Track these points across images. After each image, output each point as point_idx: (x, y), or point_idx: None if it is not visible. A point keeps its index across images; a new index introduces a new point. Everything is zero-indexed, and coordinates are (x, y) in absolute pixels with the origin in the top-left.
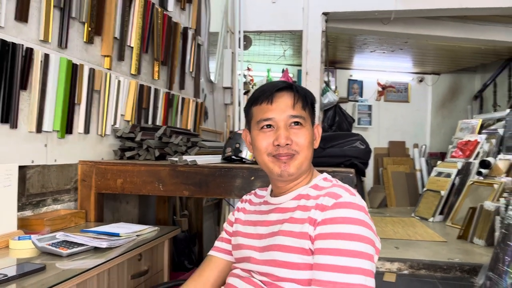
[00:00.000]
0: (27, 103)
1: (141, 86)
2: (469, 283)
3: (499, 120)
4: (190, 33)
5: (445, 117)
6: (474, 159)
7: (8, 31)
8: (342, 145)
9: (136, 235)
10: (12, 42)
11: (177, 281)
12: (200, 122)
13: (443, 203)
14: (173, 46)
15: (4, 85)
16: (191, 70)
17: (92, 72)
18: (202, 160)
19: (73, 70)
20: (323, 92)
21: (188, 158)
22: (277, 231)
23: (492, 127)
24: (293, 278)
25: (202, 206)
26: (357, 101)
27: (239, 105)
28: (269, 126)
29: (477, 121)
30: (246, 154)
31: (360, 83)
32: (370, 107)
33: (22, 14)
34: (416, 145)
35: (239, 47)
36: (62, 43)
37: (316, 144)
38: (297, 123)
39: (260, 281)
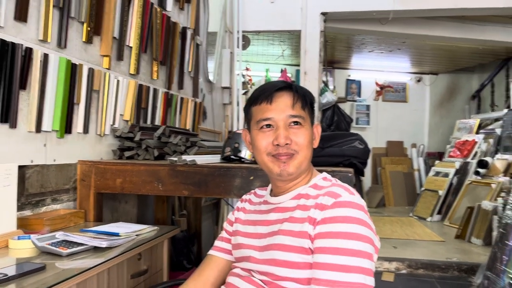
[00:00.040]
0: (26, 103)
1: (140, 86)
2: (467, 283)
3: (496, 120)
4: (189, 33)
5: (443, 117)
6: (472, 158)
7: (8, 31)
8: (341, 144)
9: (136, 235)
10: (12, 42)
11: (176, 280)
12: (198, 122)
13: (441, 203)
14: (172, 46)
15: (4, 85)
16: (189, 70)
17: (91, 72)
18: (201, 160)
19: (72, 70)
20: (322, 92)
21: (187, 158)
22: (277, 230)
23: (490, 127)
24: (293, 277)
25: (201, 206)
26: (355, 101)
27: (238, 105)
28: (268, 126)
29: (474, 121)
30: (245, 153)
31: (358, 83)
32: (368, 107)
33: (21, 14)
34: (414, 145)
35: (238, 47)
36: (62, 43)
37: (316, 144)
38: (296, 122)
39: (260, 280)
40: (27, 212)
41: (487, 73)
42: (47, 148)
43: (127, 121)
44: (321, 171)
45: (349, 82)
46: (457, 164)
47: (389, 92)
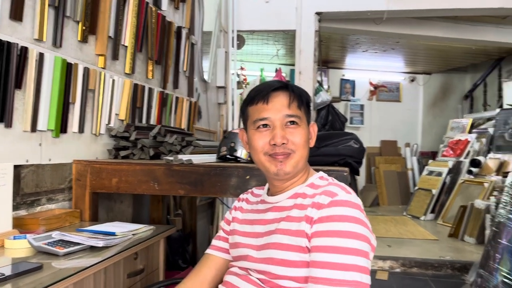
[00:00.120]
0: (21, 102)
1: (135, 85)
2: (460, 281)
3: (489, 119)
4: (184, 32)
5: (436, 117)
6: (465, 158)
7: (3, 30)
8: (337, 144)
9: (132, 234)
10: (7, 41)
11: (173, 279)
12: (193, 121)
13: (435, 202)
14: (167, 45)
15: None
16: (184, 69)
17: (86, 71)
18: (198, 159)
19: (68, 69)
20: (316, 92)
21: (183, 157)
22: (274, 229)
23: (482, 127)
24: (290, 275)
25: (196, 206)
26: (349, 100)
27: (233, 104)
28: (265, 125)
29: (467, 121)
30: (241, 153)
31: (352, 83)
32: (362, 106)
33: (16, 13)
34: (407, 144)
35: (233, 46)
36: (57, 42)
37: (312, 143)
38: (293, 122)
39: (258, 279)
40: (22, 212)
41: (480, 73)
42: (43, 148)
43: (122, 120)
44: (317, 171)
45: (343, 81)
46: (450, 163)
47: (383, 91)
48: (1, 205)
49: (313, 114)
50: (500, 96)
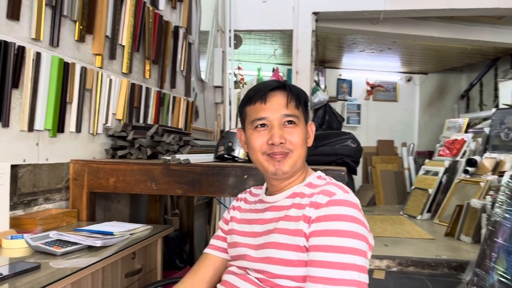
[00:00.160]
0: (18, 101)
1: (133, 85)
2: (456, 280)
3: (485, 119)
4: (181, 31)
5: (432, 116)
6: (461, 157)
7: (0, 29)
8: (334, 143)
9: (130, 234)
10: (4, 41)
11: (171, 279)
12: (191, 121)
13: (431, 201)
14: (164, 44)
15: None
16: (182, 69)
17: (83, 70)
18: (195, 158)
19: (65, 69)
20: (313, 91)
21: (181, 156)
22: (272, 229)
23: (478, 126)
24: (288, 275)
25: (193, 205)
26: (346, 100)
27: (230, 104)
28: (263, 125)
29: (463, 120)
30: (238, 152)
31: (349, 83)
32: (359, 106)
33: (13, 12)
34: (404, 144)
35: (230, 46)
36: (54, 42)
37: (310, 142)
38: (290, 122)
39: (256, 278)
40: (19, 212)
41: (476, 73)
42: (40, 147)
43: (119, 120)
44: (315, 170)
45: (340, 81)
46: (447, 163)
47: (380, 91)
48: None
49: (310, 113)
50: (496, 96)
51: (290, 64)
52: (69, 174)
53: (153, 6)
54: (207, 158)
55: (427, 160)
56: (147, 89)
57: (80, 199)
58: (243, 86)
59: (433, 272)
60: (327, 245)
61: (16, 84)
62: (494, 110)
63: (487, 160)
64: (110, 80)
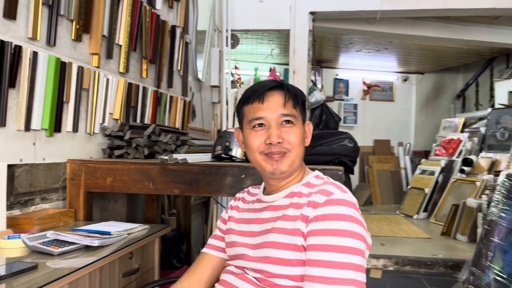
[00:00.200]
0: (15, 101)
1: (130, 85)
2: (452, 279)
3: (481, 118)
4: (178, 31)
5: (429, 116)
6: (457, 157)
7: None
8: (331, 143)
9: (127, 234)
10: (1, 40)
11: (169, 279)
12: (188, 121)
13: (427, 201)
14: (161, 44)
15: None
16: (179, 68)
17: (80, 70)
18: (192, 158)
19: (62, 68)
20: (310, 91)
21: (178, 156)
22: (270, 228)
23: (474, 126)
24: (286, 274)
25: (190, 205)
26: (343, 100)
27: (227, 103)
28: (261, 125)
29: (459, 120)
30: (236, 152)
31: (346, 82)
32: (355, 106)
33: (10, 11)
34: (400, 144)
35: (227, 45)
36: (51, 41)
37: (308, 142)
38: (288, 121)
39: (254, 277)
40: (16, 212)
41: (472, 73)
42: (36, 147)
43: (116, 119)
44: (312, 169)
45: (337, 81)
46: (443, 163)
47: (376, 91)
48: None
49: (307, 113)
50: (492, 96)
51: (287, 64)
52: (66, 174)
53: (150, 5)
54: (205, 157)
55: (423, 160)
56: (144, 89)
57: (77, 199)
58: (240, 85)
59: (430, 271)
60: (325, 245)
61: (12, 83)
62: (490, 110)
63: (483, 159)
64: (107, 80)
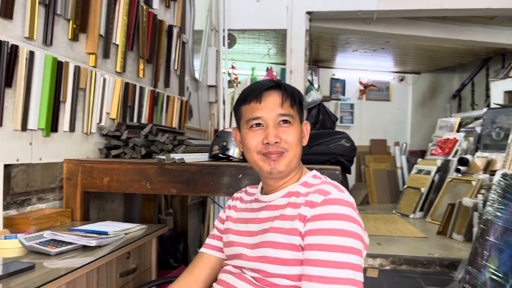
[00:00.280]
0: (12, 101)
1: (126, 84)
2: (448, 278)
3: (476, 118)
4: (175, 31)
5: (425, 116)
6: (453, 156)
7: None
8: (328, 143)
9: (124, 234)
10: None
11: (166, 278)
12: (185, 120)
13: (423, 200)
14: (158, 44)
15: None
16: (176, 68)
17: (77, 69)
18: (190, 158)
19: (58, 68)
20: (307, 91)
21: (175, 156)
22: (268, 228)
23: (470, 125)
24: (284, 273)
25: (187, 205)
26: (339, 99)
27: (224, 103)
28: (258, 124)
29: (455, 120)
30: (233, 152)
31: (343, 82)
32: (352, 105)
33: (7, 11)
34: (397, 143)
35: (224, 45)
36: (47, 40)
37: (305, 142)
38: (285, 121)
39: (252, 277)
40: (12, 212)
41: (468, 73)
42: (33, 147)
43: (113, 119)
44: (310, 169)
45: (334, 81)
46: (439, 162)
47: (373, 91)
48: None
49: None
50: (487, 96)
51: (284, 64)
52: (62, 174)
53: (147, 5)
54: (202, 157)
55: (419, 159)
56: (141, 88)
57: (74, 199)
58: (237, 85)
59: (426, 270)
60: (323, 244)
61: (9, 83)
62: (485, 109)
63: (479, 159)
64: (104, 79)
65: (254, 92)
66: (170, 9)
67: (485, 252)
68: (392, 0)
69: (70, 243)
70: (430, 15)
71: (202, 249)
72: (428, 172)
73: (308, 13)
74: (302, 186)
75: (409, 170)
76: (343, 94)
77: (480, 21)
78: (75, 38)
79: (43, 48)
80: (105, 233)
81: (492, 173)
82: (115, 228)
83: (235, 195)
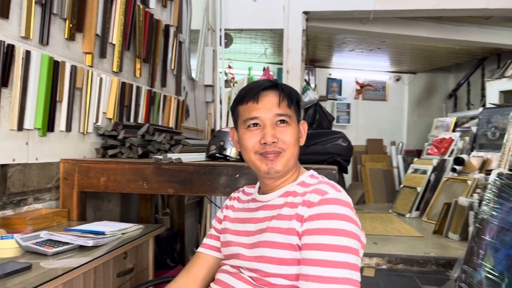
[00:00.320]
0: (8, 100)
1: (123, 84)
2: (444, 277)
3: (472, 118)
4: (172, 30)
5: (421, 115)
6: (449, 156)
7: None
8: (325, 142)
9: (121, 233)
10: None
11: (163, 278)
12: (181, 120)
13: (419, 199)
14: (155, 43)
15: None
16: (172, 67)
17: (74, 69)
18: (187, 158)
19: (55, 67)
20: (304, 91)
21: (172, 156)
22: (265, 227)
23: (466, 125)
24: (282, 273)
25: (184, 204)
26: (336, 99)
27: (220, 103)
28: (255, 124)
29: (451, 119)
30: (230, 151)
31: (339, 82)
32: (348, 105)
33: (3, 10)
34: (393, 143)
35: (220, 45)
36: (44, 40)
37: (302, 141)
38: (283, 121)
39: (249, 277)
40: (8, 212)
41: (463, 73)
42: (29, 147)
43: (110, 119)
44: (307, 169)
45: (330, 80)
46: (435, 162)
47: (369, 90)
48: None
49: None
50: (483, 95)
51: (281, 63)
52: (59, 174)
53: (143, 4)
54: (199, 157)
55: (415, 159)
56: (138, 88)
57: (70, 199)
58: (233, 85)
59: (422, 269)
60: (320, 244)
61: (5, 82)
62: (481, 109)
63: (474, 158)
64: (101, 79)
65: (251, 92)
66: (167, 8)
67: (480, 251)
68: (388, 0)
69: (67, 243)
70: (426, 15)
71: (200, 249)
72: (424, 172)
73: (305, 13)
74: (300, 185)
75: (405, 170)
76: (340, 93)
77: (476, 21)
78: (71, 37)
79: (40, 47)
80: (102, 233)
81: (488, 172)
82: (112, 228)
83: (233, 194)
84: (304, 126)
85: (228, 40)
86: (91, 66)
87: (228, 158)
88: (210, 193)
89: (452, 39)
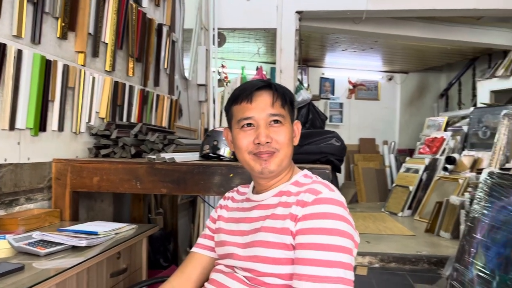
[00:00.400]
0: None
1: (116, 83)
2: (436, 275)
3: (463, 117)
4: (165, 29)
5: (413, 115)
6: (441, 155)
7: None
8: (318, 142)
9: (115, 233)
10: None
11: (157, 278)
12: (174, 119)
13: (411, 198)
14: (147, 42)
15: None
16: (165, 67)
17: (66, 68)
18: (180, 157)
19: (47, 66)
20: (297, 90)
21: (166, 155)
22: (259, 227)
23: (457, 125)
24: (276, 273)
25: (177, 204)
26: (329, 99)
27: (214, 102)
28: (249, 124)
29: (443, 119)
30: (224, 151)
31: (332, 81)
32: (341, 104)
33: None
34: (385, 142)
35: (213, 44)
36: (36, 39)
37: (296, 141)
38: (276, 121)
39: (244, 276)
40: (0, 212)
41: (455, 72)
42: (21, 146)
43: (102, 118)
44: (300, 168)
45: (323, 80)
46: (427, 161)
47: (362, 90)
48: None
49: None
50: (474, 95)
51: (274, 63)
52: (51, 174)
53: (136, 3)
54: (192, 156)
55: (407, 158)
56: (131, 87)
57: (63, 199)
58: (227, 84)
59: (414, 267)
60: (313, 243)
61: None
62: (472, 109)
63: (466, 157)
64: (93, 78)
65: (245, 92)
66: (160, 7)
67: (472, 249)
68: (381, 0)
69: (60, 244)
70: (418, 15)
71: (194, 249)
72: (416, 171)
73: (298, 12)
74: (293, 185)
75: (398, 169)
76: (333, 93)
77: (467, 21)
78: (63, 36)
79: (31, 46)
80: (95, 233)
81: (479, 171)
82: (105, 228)
83: (227, 194)
84: (297, 126)
85: (221, 39)
86: (83, 65)
87: (221, 157)
88: (203, 192)
89: (444, 39)
